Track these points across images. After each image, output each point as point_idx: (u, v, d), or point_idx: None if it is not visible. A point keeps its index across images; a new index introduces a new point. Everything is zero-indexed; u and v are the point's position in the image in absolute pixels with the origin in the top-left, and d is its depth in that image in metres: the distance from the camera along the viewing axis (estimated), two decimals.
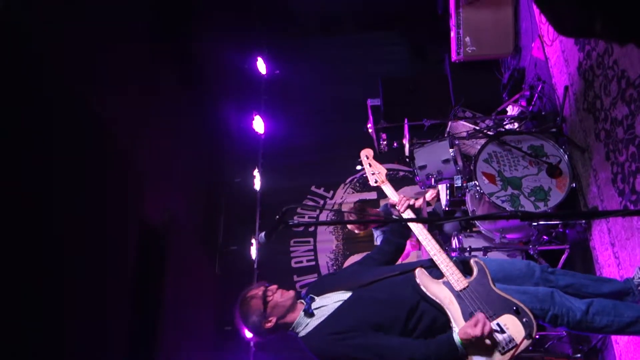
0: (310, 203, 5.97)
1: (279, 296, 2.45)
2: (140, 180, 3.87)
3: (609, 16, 1.02)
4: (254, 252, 5.38)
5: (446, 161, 4.08)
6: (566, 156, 3.68)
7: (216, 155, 5.45)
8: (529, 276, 2.55)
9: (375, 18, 6.55)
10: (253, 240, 5.37)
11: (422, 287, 2.36)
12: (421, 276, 2.39)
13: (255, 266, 5.38)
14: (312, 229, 5.82)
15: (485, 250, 3.82)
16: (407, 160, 4.40)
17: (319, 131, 6.21)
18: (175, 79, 4.76)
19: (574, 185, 3.62)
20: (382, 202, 5.58)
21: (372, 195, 5.81)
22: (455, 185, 3.99)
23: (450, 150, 4.09)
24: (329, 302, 2.43)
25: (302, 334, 2.42)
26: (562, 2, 1.07)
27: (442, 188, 4.52)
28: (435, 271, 2.42)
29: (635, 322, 2.38)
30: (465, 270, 2.41)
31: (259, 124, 6.03)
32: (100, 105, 3.45)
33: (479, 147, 3.90)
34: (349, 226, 4.96)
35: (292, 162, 6.14)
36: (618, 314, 2.39)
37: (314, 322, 2.40)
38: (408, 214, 2.59)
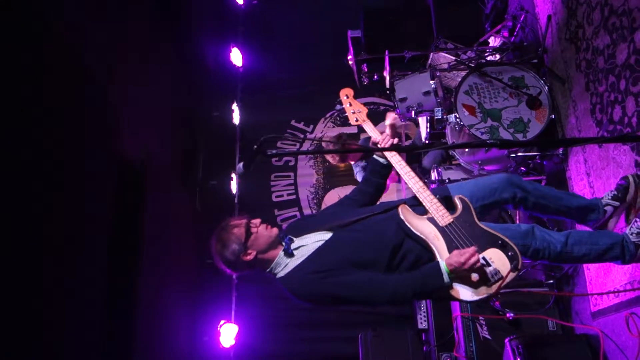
0: (291, 137, 5.93)
1: (263, 229, 2.40)
2: (116, 115, 3.78)
3: None
4: (234, 186, 5.36)
5: (427, 93, 4.05)
6: (546, 87, 3.67)
7: (193, 88, 5.32)
8: (507, 186, 2.56)
9: None
10: (233, 175, 5.35)
11: (406, 223, 2.35)
12: (405, 212, 2.38)
13: (235, 201, 5.38)
14: (292, 163, 5.81)
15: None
16: (388, 92, 4.35)
17: (298, 64, 6.08)
18: (151, 9, 4.58)
19: (553, 116, 3.63)
20: (363, 137, 5.57)
21: (353, 130, 5.78)
22: (436, 118, 3.97)
23: (431, 82, 4.05)
24: (309, 242, 2.40)
25: (280, 274, 2.38)
26: None
27: (423, 121, 4.50)
28: (419, 208, 2.41)
29: (610, 249, 2.45)
30: (449, 206, 2.40)
31: (236, 57, 5.88)
32: (72, 37, 3.31)
33: (459, 79, 3.86)
34: (328, 158, 4.95)
35: (271, 96, 6.04)
36: (594, 242, 2.45)
37: (293, 263, 2.36)
38: (391, 154, 2.54)
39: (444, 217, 2.33)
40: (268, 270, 2.42)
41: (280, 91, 6.04)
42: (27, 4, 2.92)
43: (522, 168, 3.82)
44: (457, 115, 3.68)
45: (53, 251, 2.94)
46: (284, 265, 2.38)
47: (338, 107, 2.96)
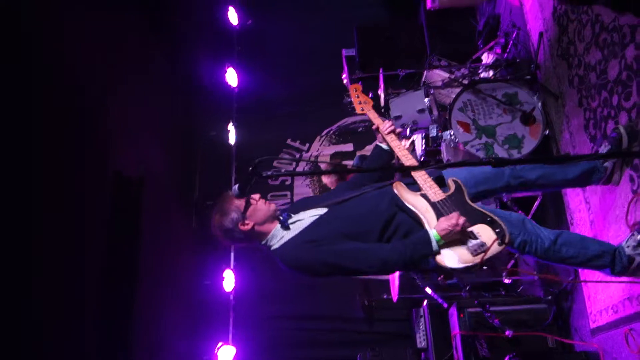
0: (286, 156, 5.94)
1: (262, 203, 2.50)
2: (113, 134, 3.79)
3: None
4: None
5: (421, 111, 4.06)
6: (540, 103, 3.69)
7: (190, 109, 5.34)
8: (500, 175, 2.62)
9: None
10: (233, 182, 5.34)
11: (399, 197, 2.43)
12: (399, 188, 2.47)
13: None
14: (288, 182, 5.80)
15: None
16: (383, 110, 4.37)
17: (293, 83, 6.10)
18: (147, 30, 4.61)
19: (547, 132, 3.65)
20: (358, 154, 5.58)
21: (349, 147, 5.79)
22: (431, 135, 3.98)
23: (426, 99, 4.07)
24: (305, 217, 2.48)
25: (275, 246, 2.45)
26: None
27: (418, 138, 4.52)
28: (413, 187, 2.49)
29: (599, 256, 2.43)
30: (442, 186, 2.47)
31: (232, 77, 5.90)
32: (71, 56, 3.33)
33: (454, 96, 3.88)
34: (324, 180, 4.95)
35: (266, 115, 6.06)
36: (584, 247, 2.44)
37: (288, 235, 2.44)
38: (391, 139, 2.63)
39: (437, 194, 2.41)
40: (264, 242, 2.50)
41: (275, 110, 6.05)
42: (27, 24, 2.94)
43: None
44: (452, 132, 3.69)
45: (45, 274, 2.93)
46: (280, 238, 2.46)
47: (347, 99, 3.18)
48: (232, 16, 6.19)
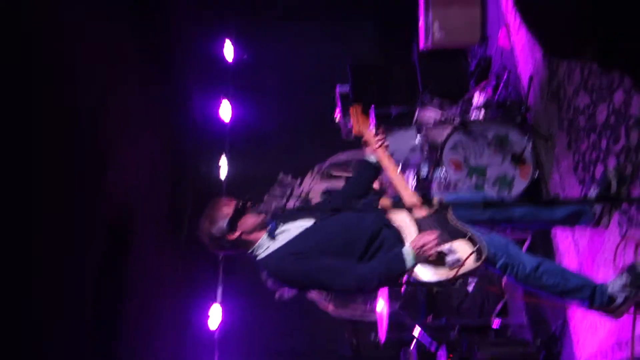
0: (277, 191, 5.92)
1: (251, 211, 2.51)
2: (102, 166, 3.77)
3: (602, 45, 1.00)
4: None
5: (413, 149, 4.08)
6: (530, 145, 3.71)
7: (182, 142, 5.35)
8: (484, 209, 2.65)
9: (347, 4, 6.50)
10: None
11: (384, 212, 2.50)
12: (384, 203, 2.54)
13: (220, 257, 5.31)
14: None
15: None
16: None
17: (287, 118, 6.14)
18: (141, 62, 4.64)
19: (536, 174, 3.66)
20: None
21: (340, 183, 5.78)
22: (422, 173, 4.00)
23: (417, 137, 4.09)
24: (292, 228, 2.51)
25: (261, 256, 2.48)
26: (555, 31, 1.04)
27: (409, 176, 4.52)
28: (400, 203, 2.53)
29: (578, 289, 2.42)
30: (428, 204, 2.52)
31: (225, 111, 5.94)
32: (62, 84, 3.33)
33: (445, 134, 3.91)
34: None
35: (259, 149, 6.07)
36: (564, 278, 2.44)
37: (274, 246, 2.46)
38: (382, 156, 2.65)
39: (420, 211, 2.47)
40: (250, 251, 2.52)
41: (268, 144, 6.07)
42: (26, 49, 2.95)
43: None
44: (444, 171, 3.70)
45: (32, 307, 2.88)
46: (266, 247, 2.48)
47: (349, 123, 3.35)
48: (228, 50, 6.27)
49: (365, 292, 4.14)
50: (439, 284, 2.31)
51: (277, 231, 2.50)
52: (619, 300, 2.40)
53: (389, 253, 2.38)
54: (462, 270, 2.24)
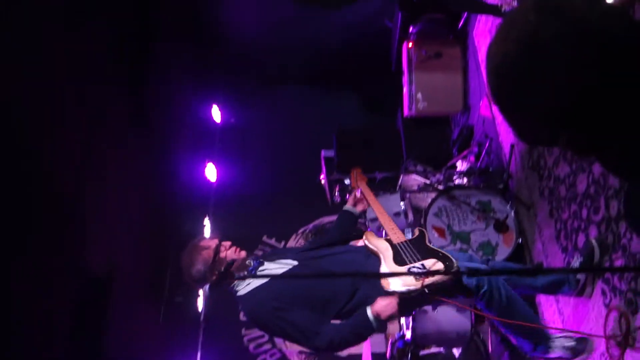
0: (261, 253, 5.88)
1: (232, 253, 2.54)
2: (83, 226, 3.72)
3: (574, 135, 1.06)
4: (200, 304, 5.21)
5: (397, 214, 4.11)
6: (512, 212, 3.77)
7: (166, 202, 5.32)
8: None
9: (332, 71, 6.69)
10: (200, 292, 5.21)
11: (365, 241, 2.73)
12: (367, 235, 2.79)
13: (201, 318, 5.20)
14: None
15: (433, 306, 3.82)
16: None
17: (272, 180, 6.18)
18: (127, 122, 4.68)
19: (519, 241, 3.70)
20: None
21: None
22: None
23: (402, 203, 4.14)
24: (274, 267, 2.56)
25: (241, 292, 2.51)
26: (525, 119, 1.10)
27: None
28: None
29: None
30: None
31: (211, 172, 5.96)
32: (42, 142, 3.33)
33: (429, 200, 3.96)
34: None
35: (243, 211, 6.07)
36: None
37: (254, 283, 2.50)
38: (377, 208, 3.09)
39: (399, 237, 2.76)
40: (232, 286, 2.55)
41: (252, 206, 6.08)
42: (3, 115, 2.96)
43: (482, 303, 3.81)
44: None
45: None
46: (246, 284, 2.51)
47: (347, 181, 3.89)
48: (216, 114, 6.37)
49: (336, 351, 4.20)
50: (408, 292, 2.44)
51: (260, 269, 2.56)
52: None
53: (355, 315, 2.47)
54: (430, 280, 2.40)
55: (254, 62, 6.70)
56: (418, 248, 2.65)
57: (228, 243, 2.58)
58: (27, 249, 3.10)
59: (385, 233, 2.95)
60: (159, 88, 5.24)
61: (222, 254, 2.51)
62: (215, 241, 2.55)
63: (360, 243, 2.89)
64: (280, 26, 6.29)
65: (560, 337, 2.74)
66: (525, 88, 1.05)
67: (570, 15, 1.00)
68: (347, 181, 3.89)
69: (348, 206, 3.12)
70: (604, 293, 2.76)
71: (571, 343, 2.71)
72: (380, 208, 3.15)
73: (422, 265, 2.52)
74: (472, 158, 4.66)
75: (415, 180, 4.70)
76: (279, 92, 6.78)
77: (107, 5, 4.20)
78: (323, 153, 5.42)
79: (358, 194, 3.14)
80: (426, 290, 2.40)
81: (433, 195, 3.99)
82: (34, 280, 3.13)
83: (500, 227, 3.76)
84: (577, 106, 1.01)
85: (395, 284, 2.47)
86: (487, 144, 4.48)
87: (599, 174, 2.88)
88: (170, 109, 5.57)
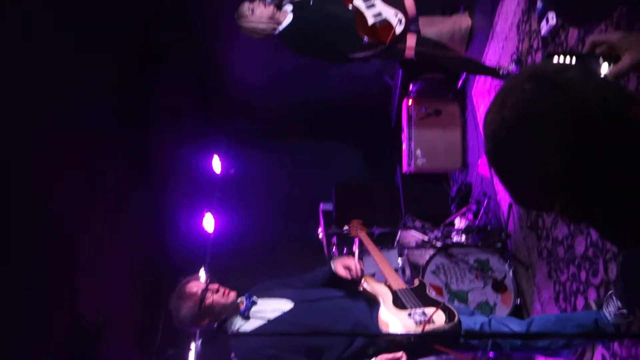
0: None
1: (219, 297, 2.44)
2: (74, 275, 3.68)
3: (569, 202, 1.08)
4: (192, 357, 5.08)
5: (395, 270, 4.07)
6: (511, 272, 3.74)
7: (161, 253, 5.29)
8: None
9: (333, 125, 6.79)
10: (192, 346, 5.10)
11: (364, 284, 2.70)
12: (367, 278, 2.75)
13: None
14: None
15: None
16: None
17: (270, 233, 6.16)
18: (126, 172, 4.70)
19: (518, 301, 3.65)
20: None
21: None
22: None
23: (399, 259, 4.11)
24: (268, 309, 2.43)
25: (233, 331, 2.43)
26: (521, 185, 1.12)
27: None
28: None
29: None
30: (409, 283, 2.80)
31: (209, 223, 5.95)
32: (35, 189, 3.33)
33: (427, 257, 3.93)
34: None
35: (240, 262, 6.00)
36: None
37: (246, 327, 2.39)
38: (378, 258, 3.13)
39: (398, 284, 2.73)
40: (223, 326, 2.49)
41: (249, 258, 6.02)
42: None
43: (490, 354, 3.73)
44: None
45: None
46: (237, 326, 2.43)
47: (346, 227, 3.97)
48: (216, 164, 6.40)
49: None
50: (407, 337, 2.42)
51: (252, 310, 2.45)
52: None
53: None
54: (430, 326, 2.37)
55: (256, 114, 6.81)
56: (419, 296, 2.63)
57: (215, 286, 2.49)
58: (14, 296, 3.05)
59: (385, 280, 2.92)
60: (159, 138, 5.29)
61: (209, 300, 2.42)
62: (202, 285, 2.45)
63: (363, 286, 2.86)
64: (283, 80, 6.42)
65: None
66: (521, 155, 1.07)
67: (565, 87, 1.02)
68: (345, 228, 3.94)
69: (335, 266, 2.79)
70: (604, 359, 2.71)
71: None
72: (380, 256, 3.18)
73: (423, 312, 2.49)
74: (470, 216, 4.66)
75: (413, 236, 4.69)
76: (279, 144, 6.85)
77: (110, 51, 4.28)
78: (321, 206, 5.43)
79: (359, 266, 2.78)
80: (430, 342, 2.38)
81: (431, 252, 3.97)
82: (21, 330, 3.07)
83: (499, 286, 3.72)
84: (570, 175, 1.02)
85: (395, 326, 2.44)
86: (485, 202, 4.49)
87: (597, 236, 2.87)
88: (170, 159, 5.61)
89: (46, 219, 3.37)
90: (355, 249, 4.39)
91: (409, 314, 2.46)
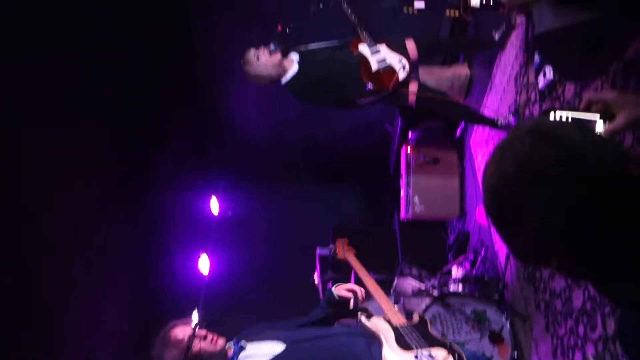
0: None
1: (207, 344, 2.37)
2: (63, 318, 3.61)
3: (565, 258, 1.08)
4: None
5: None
6: (508, 323, 3.68)
7: (155, 296, 5.22)
8: None
9: (332, 170, 6.82)
10: None
11: (362, 319, 2.50)
12: (364, 313, 2.57)
13: None
14: None
15: None
16: (351, 312, 4.31)
17: (265, 276, 6.10)
18: (124, 213, 4.69)
19: (515, 354, 3.58)
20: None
21: None
22: None
23: (396, 306, 4.04)
24: (258, 353, 2.32)
25: None
26: (518, 239, 1.13)
27: None
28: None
29: None
30: (408, 318, 2.59)
31: (204, 265, 5.88)
32: (24, 232, 3.31)
33: (424, 305, 3.88)
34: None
35: (234, 305, 5.92)
36: None
37: None
38: (371, 286, 2.87)
39: (399, 319, 2.54)
40: None
41: (243, 302, 5.95)
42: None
43: None
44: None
45: None
46: None
47: (333, 248, 3.83)
48: (214, 206, 6.38)
49: None
50: None
51: (241, 355, 2.36)
52: None
53: None
54: None
55: (256, 156, 6.85)
56: (423, 334, 2.44)
57: (203, 332, 2.41)
58: (4, 342, 2.99)
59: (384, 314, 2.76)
60: (158, 179, 5.31)
61: (196, 348, 2.34)
62: (189, 331, 2.36)
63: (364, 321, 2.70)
64: (283, 124, 6.49)
65: None
66: (518, 209, 1.07)
67: (563, 142, 1.04)
68: (331, 246, 3.80)
69: (336, 289, 2.81)
70: None
71: None
72: (373, 284, 2.91)
73: (430, 354, 2.30)
74: (467, 265, 4.62)
75: (410, 284, 4.64)
76: (278, 187, 6.86)
77: (110, 94, 4.34)
78: (318, 251, 5.39)
79: (362, 294, 2.80)
80: None
81: (427, 300, 3.92)
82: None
83: (496, 338, 3.66)
84: (566, 230, 1.02)
85: None
86: (482, 252, 4.46)
87: (595, 290, 2.84)
88: (168, 200, 5.61)
89: (39, 259, 3.34)
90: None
91: (416, 356, 2.30)
